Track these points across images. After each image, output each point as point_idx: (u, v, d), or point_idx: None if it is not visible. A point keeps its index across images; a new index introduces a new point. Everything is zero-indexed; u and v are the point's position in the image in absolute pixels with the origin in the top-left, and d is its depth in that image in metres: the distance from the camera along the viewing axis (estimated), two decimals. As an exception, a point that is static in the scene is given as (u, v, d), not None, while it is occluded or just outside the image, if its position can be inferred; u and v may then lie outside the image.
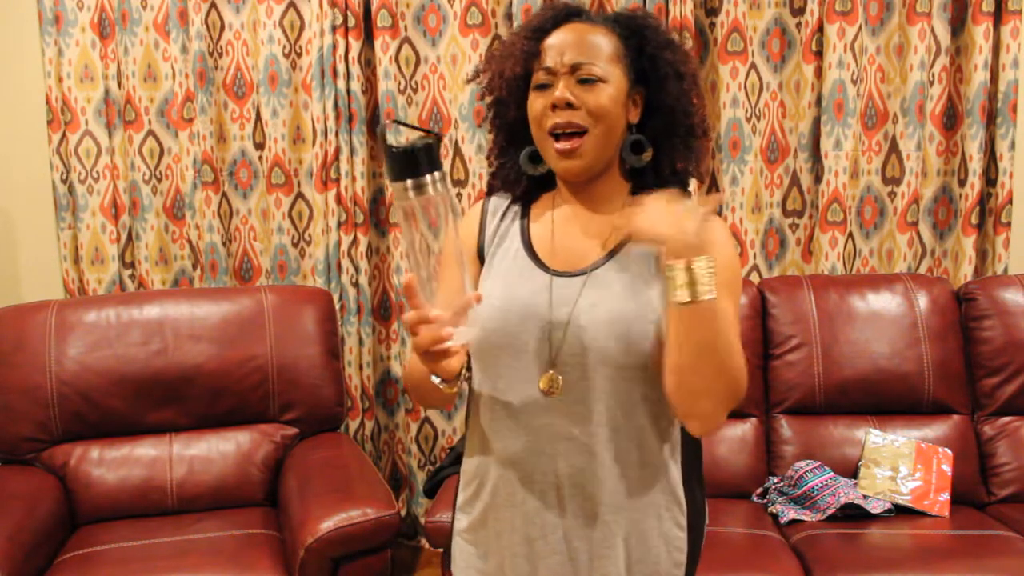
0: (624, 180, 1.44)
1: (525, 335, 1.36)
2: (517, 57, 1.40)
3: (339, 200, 3.08)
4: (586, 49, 1.36)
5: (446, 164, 3.13)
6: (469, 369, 1.48)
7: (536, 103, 1.38)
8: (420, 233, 1.19)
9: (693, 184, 1.30)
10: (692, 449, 1.44)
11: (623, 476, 1.37)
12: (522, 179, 1.48)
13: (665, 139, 1.42)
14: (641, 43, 1.40)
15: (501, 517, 1.42)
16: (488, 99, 1.49)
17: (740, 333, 1.38)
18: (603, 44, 1.37)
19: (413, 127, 1.25)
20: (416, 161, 1.16)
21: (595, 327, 1.33)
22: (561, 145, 1.36)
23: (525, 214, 1.47)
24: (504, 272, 1.42)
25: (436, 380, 1.30)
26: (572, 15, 1.41)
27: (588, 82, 1.35)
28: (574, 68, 1.35)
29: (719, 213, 3.08)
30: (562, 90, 1.35)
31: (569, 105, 1.34)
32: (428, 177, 1.16)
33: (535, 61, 1.39)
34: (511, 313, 1.37)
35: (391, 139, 1.16)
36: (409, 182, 1.16)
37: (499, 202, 1.50)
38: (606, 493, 1.36)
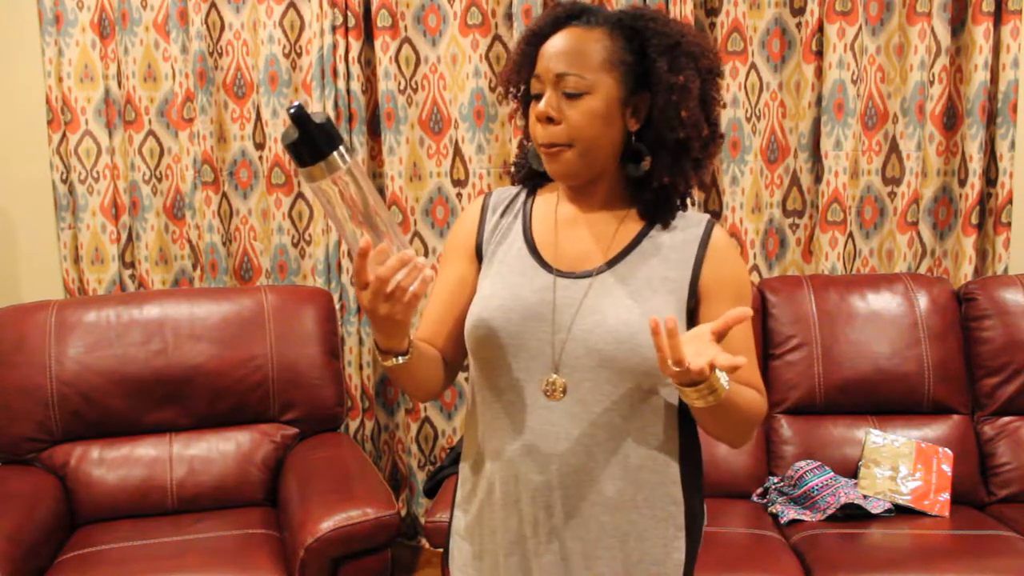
0: (625, 186, 1.42)
1: (527, 335, 1.36)
2: (515, 64, 1.39)
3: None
4: (573, 58, 1.32)
5: (447, 164, 3.14)
6: (466, 368, 1.48)
7: (532, 113, 1.37)
8: (364, 198, 1.21)
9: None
10: (692, 451, 1.44)
11: (621, 477, 1.36)
12: (526, 168, 1.48)
13: (657, 150, 1.36)
14: (644, 46, 1.34)
15: (496, 515, 1.42)
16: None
17: (754, 342, 1.40)
18: (595, 51, 1.33)
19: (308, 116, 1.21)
20: (334, 131, 1.18)
21: (600, 333, 1.33)
22: (544, 152, 1.36)
23: (527, 211, 1.47)
24: (506, 270, 1.41)
25: (388, 363, 1.30)
26: (572, 17, 1.37)
27: (572, 96, 1.32)
28: (557, 79, 1.33)
29: (718, 215, 3.09)
30: (545, 104, 1.33)
31: (551, 119, 1.33)
32: (343, 146, 1.19)
33: (526, 69, 1.38)
34: (513, 313, 1.36)
35: (313, 119, 1.17)
36: (340, 150, 1.18)
37: (500, 199, 1.50)
38: (603, 494, 1.36)
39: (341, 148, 1.18)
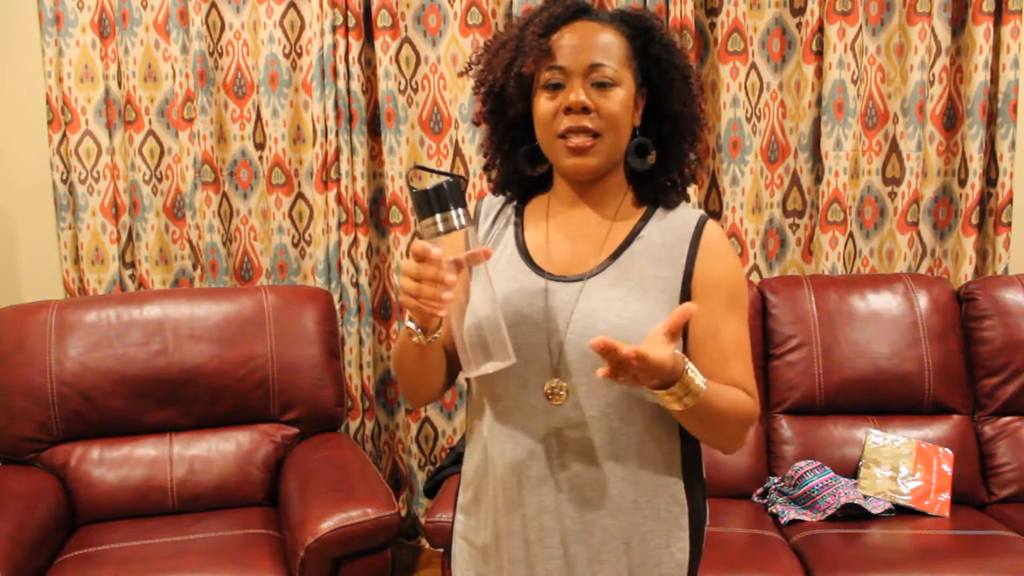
0: (625, 182, 1.43)
1: (521, 340, 1.34)
2: (528, 54, 1.34)
3: (339, 200, 3.08)
4: (602, 50, 1.33)
5: (446, 164, 3.14)
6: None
7: (546, 104, 1.34)
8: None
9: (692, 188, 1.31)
10: (692, 451, 1.43)
11: (623, 480, 1.36)
12: (516, 179, 1.46)
13: (673, 143, 1.40)
14: (646, 44, 1.37)
15: (500, 520, 1.41)
16: (483, 92, 1.43)
17: (749, 343, 1.40)
18: (615, 45, 1.35)
19: (437, 171, 1.27)
20: (443, 197, 1.21)
21: (592, 336, 1.31)
22: (574, 142, 1.33)
23: (519, 216, 1.46)
24: (498, 276, 1.39)
25: (411, 325, 1.29)
26: (581, 12, 1.38)
27: (604, 85, 1.32)
28: (591, 69, 1.32)
29: (719, 215, 3.08)
30: (578, 93, 1.32)
31: (585, 109, 1.32)
32: (454, 212, 1.21)
33: (545, 59, 1.35)
34: (506, 319, 1.36)
35: (416, 183, 1.24)
36: (438, 216, 1.21)
37: (492, 204, 1.49)
38: (606, 497, 1.36)
39: (438, 216, 1.21)
